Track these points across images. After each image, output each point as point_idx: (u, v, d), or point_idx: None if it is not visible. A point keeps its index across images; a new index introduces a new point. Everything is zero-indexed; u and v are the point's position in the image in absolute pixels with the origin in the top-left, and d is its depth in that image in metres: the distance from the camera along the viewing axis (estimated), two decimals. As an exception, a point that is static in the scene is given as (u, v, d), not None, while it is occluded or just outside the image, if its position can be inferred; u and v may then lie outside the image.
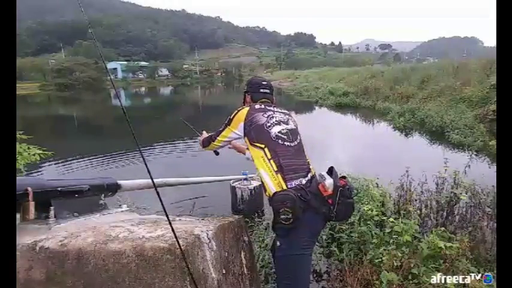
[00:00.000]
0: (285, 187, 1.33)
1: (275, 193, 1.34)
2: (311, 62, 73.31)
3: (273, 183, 1.35)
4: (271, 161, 1.37)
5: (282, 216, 1.28)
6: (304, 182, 1.36)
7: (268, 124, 1.44)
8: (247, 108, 1.51)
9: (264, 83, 1.70)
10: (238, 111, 1.52)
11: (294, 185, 1.34)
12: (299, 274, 1.35)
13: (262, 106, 1.53)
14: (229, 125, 1.53)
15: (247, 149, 1.56)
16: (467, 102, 9.01)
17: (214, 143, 1.63)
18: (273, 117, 1.49)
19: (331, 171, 1.40)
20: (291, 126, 1.51)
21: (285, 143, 1.42)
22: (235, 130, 1.51)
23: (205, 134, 1.77)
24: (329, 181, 1.33)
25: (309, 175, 1.41)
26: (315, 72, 35.61)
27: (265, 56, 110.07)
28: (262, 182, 1.43)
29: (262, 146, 1.40)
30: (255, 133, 1.44)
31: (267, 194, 1.41)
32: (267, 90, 1.68)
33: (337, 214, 1.34)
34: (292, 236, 1.33)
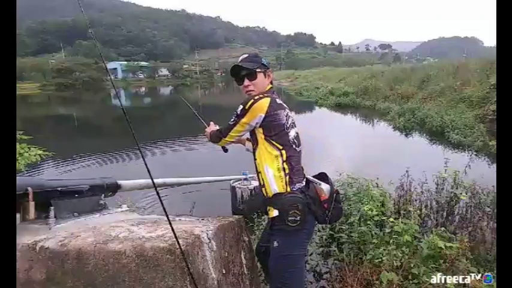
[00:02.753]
0: (288, 190, 1.34)
1: (280, 194, 1.33)
2: (311, 62, 73.42)
3: (277, 184, 1.34)
4: (285, 163, 1.36)
5: (290, 218, 1.29)
6: (302, 186, 1.39)
7: (288, 125, 1.40)
8: (268, 99, 1.36)
9: None
10: (256, 101, 1.34)
11: (296, 188, 1.36)
12: (295, 274, 1.37)
13: (279, 102, 1.42)
14: (243, 117, 1.36)
15: (248, 139, 1.52)
16: (467, 102, 9.02)
17: (226, 139, 1.47)
18: (289, 117, 1.44)
19: (321, 176, 1.46)
20: (297, 129, 1.50)
21: (296, 147, 1.43)
22: (251, 121, 1.35)
23: (212, 126, 1.63)
24: (326, 186, 1.40)
25: (304, 180, 1.43)
26: (315, 72, 35.70)
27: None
28: (263, 178, 1.38)
29: (280, 147, 1.36)
30: (275, 131, 1.36)
31: (264, 191, 1.39)
32: None
33: (329, 218, 1.41)
34: (293, 237, 1.34)
